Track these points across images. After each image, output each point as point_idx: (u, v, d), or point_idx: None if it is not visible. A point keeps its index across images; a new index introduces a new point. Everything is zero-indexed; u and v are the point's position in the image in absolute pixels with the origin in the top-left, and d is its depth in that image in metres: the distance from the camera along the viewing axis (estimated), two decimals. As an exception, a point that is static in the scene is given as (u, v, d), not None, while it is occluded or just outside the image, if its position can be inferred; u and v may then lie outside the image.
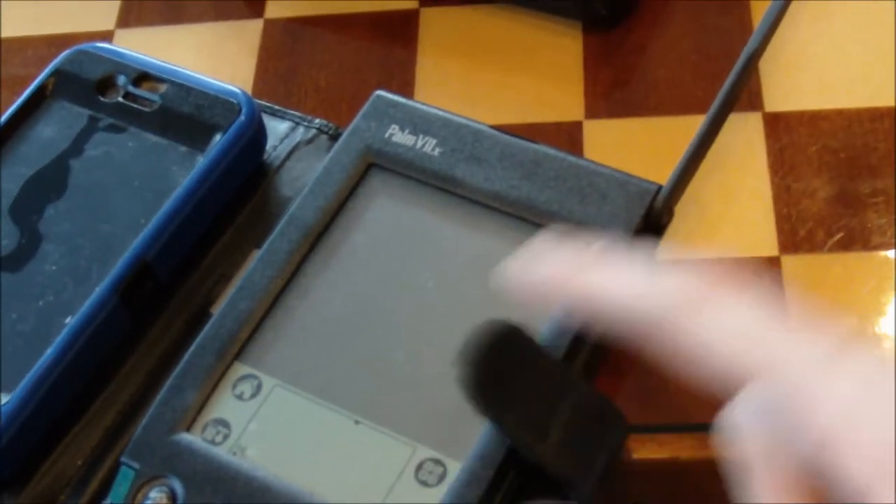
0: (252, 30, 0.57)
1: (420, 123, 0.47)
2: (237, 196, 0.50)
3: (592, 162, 0.46)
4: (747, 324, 0.32)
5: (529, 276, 0.38)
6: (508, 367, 0.38)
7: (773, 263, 0.46)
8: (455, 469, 0.40)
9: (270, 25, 0.57)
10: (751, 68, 0.46)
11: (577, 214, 0.44)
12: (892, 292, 0.45)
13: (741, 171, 0.49)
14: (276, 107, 0.52)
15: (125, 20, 0.58)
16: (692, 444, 0.43)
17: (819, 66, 0.51)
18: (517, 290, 0.38)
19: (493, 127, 0.47)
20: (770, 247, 0.47)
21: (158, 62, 0.51)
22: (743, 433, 0.32)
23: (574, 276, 0.36)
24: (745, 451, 0.32)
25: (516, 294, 0.38)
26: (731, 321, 0.32)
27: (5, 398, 0.44)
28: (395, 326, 0.44)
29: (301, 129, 0.52)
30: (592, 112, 0.51)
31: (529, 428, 0.38)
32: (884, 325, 0.45)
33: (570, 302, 0.37)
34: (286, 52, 0.56)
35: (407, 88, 0.53)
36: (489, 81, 0.53)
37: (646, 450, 0.43)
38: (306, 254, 0.46)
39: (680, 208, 0.45)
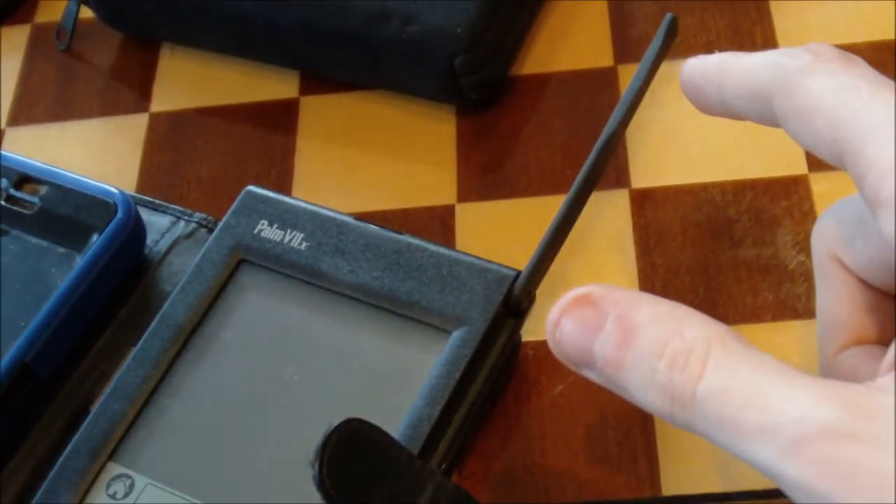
0: (137, 124, 0.58)
1: (288, 218, 0.48)
2: (117, 293, 0.51)
3: (454, 251, 0.47)
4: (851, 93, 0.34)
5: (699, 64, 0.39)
6: (362, 465, 0.39)
7: (636, 340, 0.47)
8: None
9: (155, 119, 0.58)
10: (609, 150, 0.47)
11: (438, 303, 0.45)
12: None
13: (608, 248, 0.50)
14: (157, 201, 0.53)
15: (15, 118, 0.59)
16: (557, 525, 0.44)
17: (684, 141, 0.52)
18: (687, 79, 0.39)
19: (358, 218, 0.48)
20: (634, 324, 0.48)
21: (39, 164, 0.52)
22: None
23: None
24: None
25: (686, 85, 0.39)
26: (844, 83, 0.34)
27: None
28: (261, 423, 0.45)
29: (181, 224, 0.53)
30: (465, 195, 0.53)
31: None
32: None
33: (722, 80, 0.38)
34: (170, 145, 0.57)
35: (286, 177, 0.54)
36: (368, 167, 0.54)
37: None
38: (178, 352, 0.47)
39: (548, 288, 0.46)
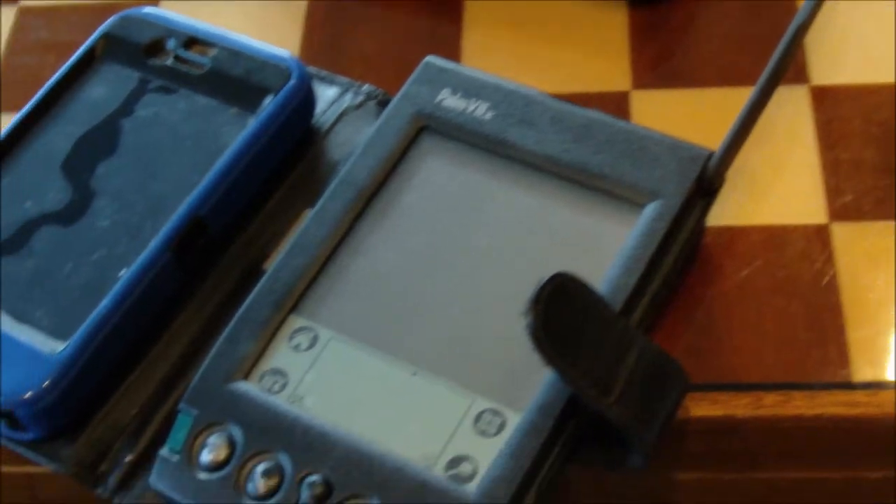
0: (297, 1, 0.57)
1: (471, 88, 0.48)
2: (287, 158, 0.50)
3: (644, 127, 0.46)
4: None
5: None
6: (575, 317, 0.38)
7: (822, 232, 0.47)
8: (514, 420, 0.41)
9: (315, -4, 0.57)
10: (799, 40, 0.46)
11: (631, 177, 0.45)
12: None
13: (789, 142, 0.49)
14: (325, 72, 0.53)
15: (170, -11, 0.58)
16: (747, 402, 0.43)
17: (863, 41, 0.52)
18: None
19: (543, 93, 0.47)
20: (819, 215, 0.47)
21: (207, 26, 0.52)
22: None
23: None
24: None
25: None
26: None
27: (61, 346, 0.44)
28: (450, 281, 0.44)
29: (349, 95, 0.52)
30: (639, 83, 0.52)
31: (594, 379, 0.38)
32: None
33: None
34: (332, 22, 0.56)
35: (452, 59, 0.53)
36: (535, 55, 0.54)
37: (700, 408, 0.43)
38: (359, 213, 0.46)
39: (729, 177, 0.46)
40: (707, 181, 0.45)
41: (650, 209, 0.44)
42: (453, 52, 0.54)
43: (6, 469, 0.48)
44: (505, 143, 0.46)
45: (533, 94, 0.47)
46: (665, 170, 0.45)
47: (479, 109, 0.47)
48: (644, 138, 0.45)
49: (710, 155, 0.45)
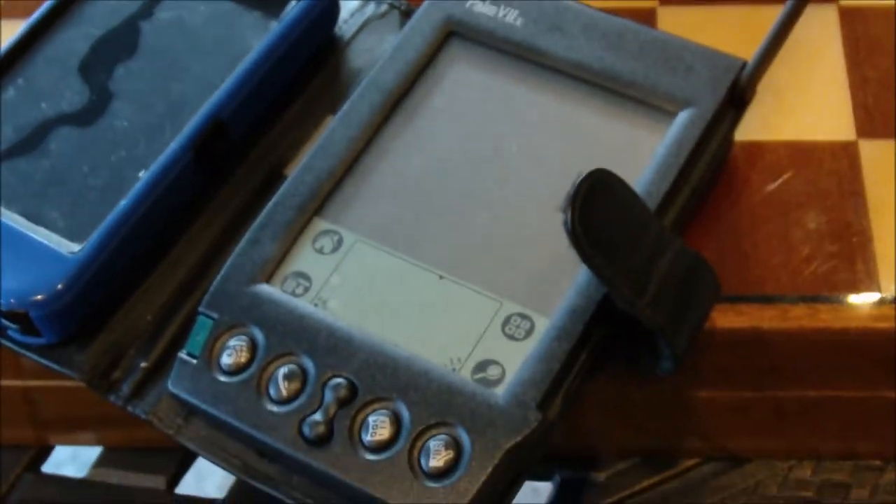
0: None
1: (501, -5, 0.47)
2: (309, 66, 0.49)
3: (677, 36, 0.45)
4: None
5: None
6: (612, 215, 0.38)
7: (849, 148, 0.46)
8: (543, 324, 0.40)
9: None
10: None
11: (664, 85, 0.44)
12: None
13: (817, 60, 0.49)
14: (347, -18, 0.52)
15: None
16: (773, 314, 0.43)
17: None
18: None
19: (575, 0, 0.47)
20: (847, 132, 0.47)
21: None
22: None
23: None
24: None
25: None
26: None
27: (77, 247, 0.43)
28: (478, 186, 0.43)
29: (372, 4, 0.51)
30: (666, -1, 0.51)
31: (629, 280, 0.38)
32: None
33: None
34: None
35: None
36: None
37: (726, 319, 0.43)
38: (387, 116, 0.45)
39: (757, 93, 0.45)
40: (739, 92, 0.44)
41: (682, 116, 0.43)
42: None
43: (4, 383, 0.47)
44: (536, 50, 0.46)
45: (564, 1, 0.46)
46: (698, 78, 0.44)
47: (510, 16, 0.46)
48: (677, 47, 0.45)
49: (744, 65, 0.44)
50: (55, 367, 0.44)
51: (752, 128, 0.47)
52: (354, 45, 0.50)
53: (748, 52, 0.45)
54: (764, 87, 0.46)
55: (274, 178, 0.47)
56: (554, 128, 0.44)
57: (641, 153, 0.43)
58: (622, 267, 0.38)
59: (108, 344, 0.44)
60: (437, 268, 0.42)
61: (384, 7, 0.51)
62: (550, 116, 0.45)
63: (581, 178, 0.37)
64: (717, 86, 0.44)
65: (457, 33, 0.47)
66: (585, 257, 0.37)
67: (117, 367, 0.44)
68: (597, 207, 0.37)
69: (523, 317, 0.41)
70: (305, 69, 0.49)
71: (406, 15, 0.50)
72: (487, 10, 0.47)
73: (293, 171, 0.45)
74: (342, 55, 0.50)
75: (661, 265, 0.39)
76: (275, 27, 0.48)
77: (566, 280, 0.40)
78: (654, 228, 0.39)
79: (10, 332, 0.44)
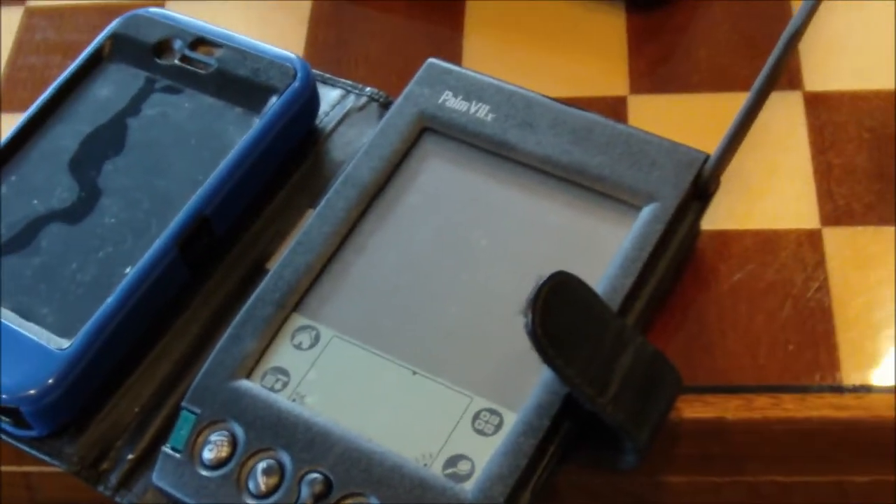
0: (301, 2, 0.58)
1: (472, 90, 0.48)
2: (291, 158, 0.51)
3: (642, 130, 0.47)
4: None
5: None
6: (572, 316, 0.39)
7: (814, 236, 0.48)
8: (511, 419, 0.42)
9: (319, -2, 0.58)
10: (793, 46, 0.47)
11: (628, 179, 0.45)
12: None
13: (783, 147, 0.50)
14: (328, 75, 0.53)
15: (175, -10, 0.59)
16: (738, 405, 0.44)
17: (855, 49, 0.53)
18: None
19: (543, 96, 0.48)
20: (811, 220, 0.48)
21: (213, 27, 0.53)
22: None
23: None
24: None
25: None
26: None
27: (67, 344, 0.45)
28: (450, 282, 0.45)
29: (352, 97, 0.53)
30: (636, 87, 0.53)
31: (590, 379, 0.39)
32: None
33: None
34: (335, 22, 0.57)
35: (454, 61, 0.54)
36: (534, 58, 0.55)
37: (693, 410, 0.44)
38: (362, 212, 0.47)
39: (723, 182, 0.46)
40: (703, 184, 0.46)
41: (647, 211, 0.45)
42: (454, 55, 0.55)
43: (5, 468, 0.49)
44: (506, 145, 0.47)
45: (534, 96, 0.48)
46: (662, 172, 0.45)
47: (481, 111, 0.48)
48: (642, 141, 0.46)
49: (707, 158, 0.46)
50: (46, 458, 0.46)
51: (719, 216, 0.48)
52: (335, 137, 0.52)
53: (718, 139, 0.46)
54: (732, 174, 0.47)
55: (257, 272, 0.48)
56: (523, 222, 0.46)
57: (607, 248, 0.44)
58: (583, 367, 0.39)
59: (97, 436, 0.46)
60: (410, 363, 0.43)
61: (363, 99, 0.53)
62: (519, 211, 0.46)
63: (541, 281, 0.39)
64: (680, 180, 0.45)
65: (430, 129, 0.48)
66: (546, 359, 0.39)
67: (105, 458, 0.46)
68: (557, 310, 0.39)
69: (492, 412, 0.42)
70: (287, 162, 0.51)
71: (385, 107, 0.52)
72: (459, 105, 0.48)
73: (273, 266, 0.46)
74: (323, 148, 0.51)
75: (622, 363, 0.40)
76: (256, 123, 0.49)
77: (533, 375, 0.42)
78: (615, 327, 0.41)
79: (2, 425, 0.46)
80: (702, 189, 0.46)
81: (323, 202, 0.47)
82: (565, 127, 0.47)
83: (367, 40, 0.56)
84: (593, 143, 0.47)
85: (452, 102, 0.48)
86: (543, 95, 0.48)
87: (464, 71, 0.49)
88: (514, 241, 0.46)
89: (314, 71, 0.53)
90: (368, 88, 0.53)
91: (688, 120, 0.52)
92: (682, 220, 0.45)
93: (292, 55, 0.51)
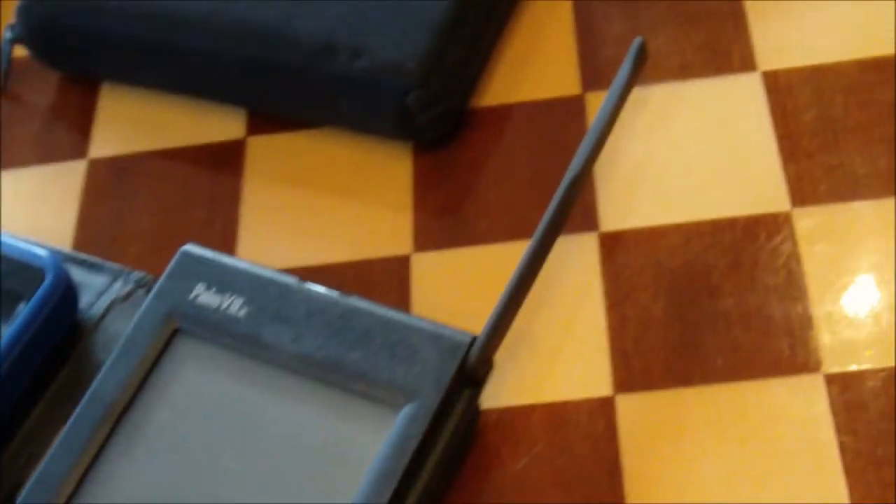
0: (76, 171, 0.54)
1: (226, 281, 0.45)
2: (49, 363, 0.47)
3: (405, 314, 0.43)
4: None
5: None
6: None
7: (606, 405, 0.44)
8: None
9: (94, 165, 0.54)
10: (576, 190, 0.43)
11: (386, 375, 0.42)
12: (732, 426, 0.43)
13: (575, 301, 0.46)
14: (92, 259, 0.50)
15: (-53, 166, 0.55)
16: None
17: (658, 175, 0.49)
18: None
19: (303, 279, 0.45)
20: (604, 386, 0.44)
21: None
22: None
23: None
24: None
25: None
26: None
27: None
28: (199, 510, 0.41)
29: (118, 284, 0.49)
30: (421, 243, 0.49)
31: None
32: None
33: None
34: (110, 194, 0.53)
35: (232, 225, 0.51)
36: (319, 212, 0.51)
37: None
38: (107, 436, 0.43)
39: (510, 348, 0.43)
40: (470, 371, 0.42)
41: (406, 411, 0.41)
42: (232, 216, 0.51)
43: None
44: (259, 344, 0.43)
45: (290, 283, 0.45)
46: (424, 364, 0.42)
47: (234, 305, 0.44)
48: (404, 328, 0.43)
49: (473, 341, 0.42)
50: None
51: (504, 391, 0.44)
52: (99, 333, 0.48)
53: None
54: (519, 338, 0.44)
55: (11, 501, 0.45)
56: (278, 434, 0.42)
57: (364, 457, 0.41)
58: None
59: None
60: None
61: (129, 286, 0.49)
62: (275, 420, 0.43)
63: None
64: (443, 372, 0.42)
65: (181, 330, 0.45)
66: None
67: None
68: None
69: None
70: (45, 368, 0.47)
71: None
72: (212, 300, 0.45)
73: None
74: (85, 347, 0.48)
75: None
76: (4, 333, 0.46)
77: None
78: None
79: None
80: (471, 375, 0.42)
81: (66, 429, 0.43)
82: (322, 318, 0.43)
83: (141, 211, 0.53)
84: (351, 334, 0.43)
85: (205, 297, 0.45)
86: (302, 280, 0.45)
87: (218, 258, 0.46)
88: (266, 459, 0.42)
89: (78, 256, 0.50)
90: (135, 273, 0.49)
91: (475, 276, 0.48)
92: (450, 413, 0.42)
93: (42, 252, 0.48)
